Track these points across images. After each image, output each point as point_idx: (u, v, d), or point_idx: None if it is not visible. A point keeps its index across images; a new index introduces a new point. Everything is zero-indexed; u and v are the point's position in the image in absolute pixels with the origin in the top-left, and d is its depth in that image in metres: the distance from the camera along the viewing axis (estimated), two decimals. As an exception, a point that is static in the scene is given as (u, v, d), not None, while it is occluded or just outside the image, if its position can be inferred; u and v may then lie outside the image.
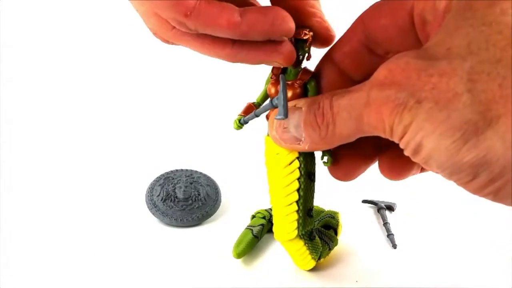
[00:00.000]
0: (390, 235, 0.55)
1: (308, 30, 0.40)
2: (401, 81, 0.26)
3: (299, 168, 0.44)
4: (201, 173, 0.62)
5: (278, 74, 0.43)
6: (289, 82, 0.42)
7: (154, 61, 0.89)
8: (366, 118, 0.29)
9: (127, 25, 0.76)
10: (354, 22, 0.37)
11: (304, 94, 0.42)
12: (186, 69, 0.87)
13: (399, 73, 0.26)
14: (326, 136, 0.33)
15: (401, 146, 0.29)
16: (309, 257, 0.48)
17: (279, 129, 0.38)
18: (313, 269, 0.50)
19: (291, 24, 0.33)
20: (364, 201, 0.62)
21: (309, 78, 0.42)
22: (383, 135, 0.29)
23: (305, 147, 0.37)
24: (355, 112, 0.30)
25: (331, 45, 0.40)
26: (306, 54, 0.41)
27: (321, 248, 0.49)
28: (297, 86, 0.42)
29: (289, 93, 0.42)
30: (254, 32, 0.31)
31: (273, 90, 0.43)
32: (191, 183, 0.60)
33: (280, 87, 0.36)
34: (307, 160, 0.44)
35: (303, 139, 0.37)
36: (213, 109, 0.82)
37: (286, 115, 0.35)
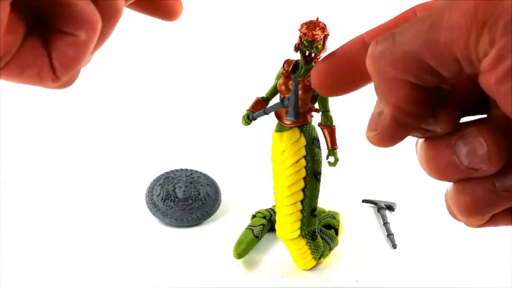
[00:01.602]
0: (390, 235, 0.55)
1: (317, 29, 0.40)
2: None
3: (305, 167, 0.44)
4: (201, 173, 0.62)
5: (288, 70, 0.43)
6: (299, 79, 0.42)
7: (154, 61, 0.89)
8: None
9: (127, 25, 0.76)
10: None
11: (315, 91, 0.43)
12: (186, 69, 0.87)
13: None
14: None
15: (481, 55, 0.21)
16: (310, 256, 0.48)
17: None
18: (313, 269, 0.50)
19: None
20: (364, 201, 0.62)
21: None
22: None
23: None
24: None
25: None
26: (317, 52, 0.42)
27: (323, 248, 0.49)
28: (308, 82, 0.42)
29: (300, 91, 0.42)
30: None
31: (283, 87, 0.43)
32: (191, 183, 0.60)
33: (292, 88, 0.35)
34: (313, 160, 0.44)
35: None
36: (213, 109, 0.82)
37: (297, 117, 0.35)
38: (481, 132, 0.23)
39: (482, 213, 0.25)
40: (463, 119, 0.25)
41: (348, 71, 0.29)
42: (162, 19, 0.30)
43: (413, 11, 0.28)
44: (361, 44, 0.29)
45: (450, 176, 0.25)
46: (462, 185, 0.25)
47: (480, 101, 0.23)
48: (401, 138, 0.24)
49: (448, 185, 0.26)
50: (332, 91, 0.30)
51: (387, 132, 0.24)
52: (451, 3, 0.21)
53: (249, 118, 0.44)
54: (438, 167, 0.25)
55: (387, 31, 0.26)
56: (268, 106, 0.41)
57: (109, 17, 0.23)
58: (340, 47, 0.30)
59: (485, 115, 0.25)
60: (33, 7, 0.22)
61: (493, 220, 0.26)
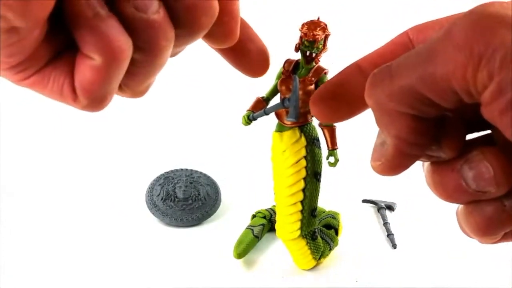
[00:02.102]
0: (390, 235, 0.55)
1: (318, 29, 0.40)
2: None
3: (305, 167, 0.44)
4: (201, 172, 0.62)
5: (289, 70, 0.43)
6: (300, 79, 0.42)
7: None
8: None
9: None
10: None
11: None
12: (186, 69, 0.87)
13: None
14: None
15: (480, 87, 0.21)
16: (310, 256, 0.48)
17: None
18: (313, 269, 0.50)
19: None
20: (364, 201, 0.62)
21: (321, 76, 0.42)
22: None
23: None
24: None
25: None
26: (318, 52, 0.42)
27: (323, 248, 0.49)
28: (308, 83, 0.42)
29: (300, 91, 0.42)
30: None
31: (283, 87, 0.43)
32: (191, 183, 0.60)
33: (292, 88, 0.35)
34: (314, 160, 0.44)
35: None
36: (213, 109, 0.82)
37: (297, 118, 0.35)
38: (485, 156, 0.23)
39: (494, 232, 0.25)
40: (468, 136, 0.25)
41: (345, 99, 0.29)
42: (245, 73, 0.30)
43: (406, 35, 0.29)
44: (356, 71, 0.29)
45: (459, 199, 0.25)
46: (472, 206, 0.25)
47: (483, 119, 0.22)
48: (406, 167, 0.25)
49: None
50: (330, 118, 0.31)
51: (391, 162, 0.24)
52: (445, 36, 0.21)
53: (249, 118, 0.44)
54: (447, 191, 0.25)
55: (381, 58, 0.27)
56: (268, 106, 0.41)
57: (147, 52, 0.22)
58: (335, 75, 0.30)
59: (489, 131, 0.26)
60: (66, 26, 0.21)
61: (506, 237, 0.26)
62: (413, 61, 0.22)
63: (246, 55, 0.29)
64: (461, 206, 0.26)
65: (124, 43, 0.21)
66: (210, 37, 0.26)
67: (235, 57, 0.29)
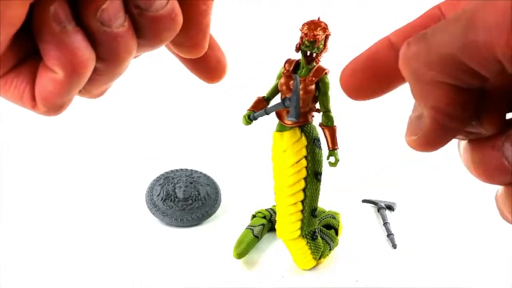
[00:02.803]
0: (390, 235, 0.55)
1: (318, 29, 0.40)
2: None
3: (306, 167, 0.44)
4: (201, 173, 0.62)
5: (290, 70, 0.43)
6: (301, 79, 0.42)
7: (154, 60, 0.89)
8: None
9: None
10: None
11: (316, 91, 0.43)
12: (186, 69, 0.86)
13: None
14: None
15: None
16: (310, 256, 0.48)
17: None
18: (313, 269, 0.50)
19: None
20: (364, 201, 0.62)
21: (322, 75, 0.42)
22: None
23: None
24: None
25: None
26: (319, 52, 0.42)
27: (323, 248, 0.49)
28: (309, 82, 0.42)
29: (301, 91, 0.42)
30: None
31: (284, 87, 0.43)
32: (191, 183, 0.60)
33: (293, 88, 0.35)
34: (314, 160, 0.44)
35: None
36: (213, 109, 0.82)
37: (298, 117, 0.35)
38: None
39: None
40: (508, 115, 0.24)
41: (375, 74, 0.28)
42: (203, 79, 0.30)
43: (438, 8, 0.27)
44: (387, 46, 0.28)
45: (500, 179, 0.23)
46: None
47: None
48: (445, 142, 0.23)
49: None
50: (359, 95, 0.29)
51: (428, 137, 0.23)
52: (485, 2, 0.20)
53: (250, 118, 0.44)
54: (487, 171, 0.24)
55: (415, 32, 0.25)
56: (269, 106, 0.41)
57: (109, 62, 0.23)
58: (366, 50, 0.29)
59: None
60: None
61: None
62: (452, 28, 0.21)
63: (204, 62, 0.29)
64: (501, 189, 0.24)
65: (87, 58, 0.21)
66: (177, 47, 0.26)
67: (193, 63, 0.29)
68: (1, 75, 0.22)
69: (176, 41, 0.24)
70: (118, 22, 0.21)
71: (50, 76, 0.22)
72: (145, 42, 0.23)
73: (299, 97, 0.34)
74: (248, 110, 0.44)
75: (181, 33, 0.24)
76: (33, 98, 0.23)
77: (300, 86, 0.42)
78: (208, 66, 0.29)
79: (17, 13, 0.20)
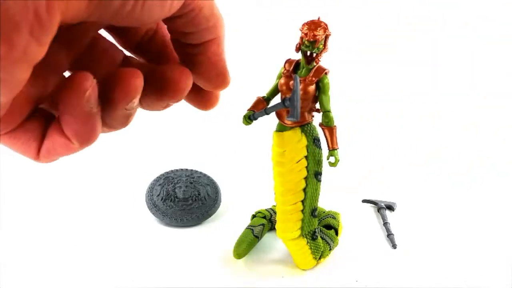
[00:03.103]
0: (390, 235, 0.55)
1: (318, 29, 0.40)
2: None
3: (306, 167, 0.44)
4: (201, 172, 0.62)
5: (290, 70, 0.43)
6: (301, 79, 0.42)
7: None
8: None
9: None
10: None
11: (316, 91, 0.43)
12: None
13: None
14: None
15: None
16: (311, 256, 0.48)
17: None
18: (313, 269, 0.50)
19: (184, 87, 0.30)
20: (364, 201, 0.62)
21: (322, 75, 0.42)
22: None
23: None
24: None
25: None
26: (319, 52, 0.42)
27: (323, 248, 0.49)
28: (309, 82, 0.42)
29: (301, 91, 0.42)
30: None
31: (284, 87, 0.43)
32: (191, 183, 0.60)
33: (293, 88, 0.35)
34: (314, 160, 0.44)
35: None
36: (213, 109, 0.82)
37: (298, 117, 0.35)
38: None
39: None
40: None
41: None
42: (197, 108, 0.32)
43: None
44: None
45: None
46: None
47: None
48: None
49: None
50: None
51: None
52: None
53: (250, 118, 0.43)
54: None
55: None
56: (269, 106, 0.41)
57: (118, 126, 0.26)
58: None
59: None
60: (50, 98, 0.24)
61: None
62: None
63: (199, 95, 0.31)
64: None
65: (100, 132, 0.24)
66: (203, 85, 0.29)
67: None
68: (8, 132, 0.24)
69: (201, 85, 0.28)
70: (134, 106, 0.25)
71: (64, 142, 0.24)
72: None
73: (299, 97, 0.34)
74: (248, 110, 0.44)
75: (202, 81, 0.26)
76: (38, 152, 0.25)
77: (300, 86, 0.42)
78: (208, 78, 0.30)
79: (22, 77, 0.20)
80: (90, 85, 0.22)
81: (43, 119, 0.24)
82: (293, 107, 0.34)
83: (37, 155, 0.24)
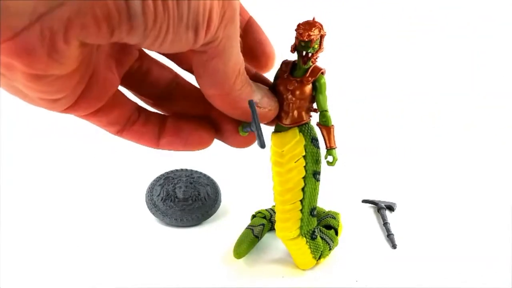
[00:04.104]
0: (390, 235, 0.55)
1: (313, 29, 0.40)
2: None
3: (304, 167, 0.44)
4: (201, 173, 0.62)
5: (286, 71, 0.43)
6: (298, 79, 0.42)
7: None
8: None
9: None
10: None
11: (313, 91, 0.43)
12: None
13: None
14: None
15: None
16: (310, 256, 0.48)
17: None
18: (313, 269, 0.50)
19: (206, 144, 0.34)
20: (364, 201, 0.62)
21: (318, 75, 0.42)
22: None
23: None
24: None
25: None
26: (314, 52, 0.42)
27: (322, 248, 0.49)
28: (306, 82, 0.42)
29: (297, 91, 0.42)
30: (171, 149, 0.33)
31: (281, 87, 0.43)
32: (191, 183, 0.60)
33: (252, 116, 0.32)
34: (312, 159, 0.44)
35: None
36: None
37: (263, 146, 0.33)
38: None
39: None
40: None
41: None
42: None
43: None
44: None
45: None
46: None
47: None
48: None
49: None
50: None
51: None
52: None
53: (244, 130, 0.43)
54: None
55: None
56: (255, 122, 0.41)
57: None
58: None
59: None
60: None
61: None
62: None
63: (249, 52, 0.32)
64: None
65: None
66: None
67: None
68: (94, 112, 0.28)
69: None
70: None
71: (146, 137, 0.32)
72: None
73: (259, 125, 0.33)
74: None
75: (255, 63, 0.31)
76: (157, 143, 0.31)
77: (296, 85, 0.42)
78: (252, 58, 0.32)
79: (54, 87, 0.24)
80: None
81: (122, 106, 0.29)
82: (257, 136, 0.33)
83: (157, 144, 0.31)
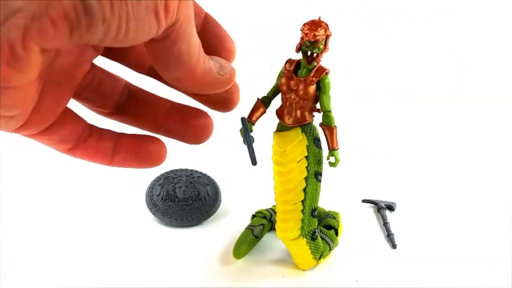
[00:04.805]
0: (390, 235, 0.55)
1: (319, 29, 0.40)
2: None
3: (306, 167, 0.44)
4: (201, 172, 0.62)
5: (290, 70, 0.43)
6: (301, 79, 0.42)
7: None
8: None
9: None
10: None
11: (317, 91, 0.43)
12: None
13: None
14: None
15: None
16: (310, 256, 0.48)
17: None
18: (313, 269, 0.50)
19: (161, 161, 0.33)
20: (364, 201, 0.62)
21: (322, 75, 0.42)
22: None
23: None
24: None
25: None
26: (319, 52, 0.42)
27: (322, 248, 0.49)
28: (310, 82, 0.42)
29: (301, 91, 0.42)
30: (126, 166, 0.33)
31: (284, 87, 0.43)
32: (191, 183, 0.60)
33: (243, 135, 0.33)
34: (314, 160, 0.44)
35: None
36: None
37: (254, 164, 0.33)
38: None
39: None
40: None
41: None
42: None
43: None
44: None
45: None
46: None
47: None
48: None
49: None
50: None
51: None
52: None
53: (243, 141, 0.44)
54: None
55: None
56: (246, 139, 0.42)
57: None
58: None
59: None
60: None
61: None
62: None
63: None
64: None
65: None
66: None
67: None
68: (44, 130, 0.28)
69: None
70: None
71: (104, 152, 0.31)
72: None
73: (251, 144, 0.33)
74: (247, 119, 0.44)
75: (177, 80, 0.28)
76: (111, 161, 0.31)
77: (301, 86, 0.42)
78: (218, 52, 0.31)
79: (14, 98, 0.23)
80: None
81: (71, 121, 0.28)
82: (248, 154, 0.33)
83: (111, 162, 0.30)
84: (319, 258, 0.49)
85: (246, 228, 0.54)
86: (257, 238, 0.53)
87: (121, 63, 0.32)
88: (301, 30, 0.41)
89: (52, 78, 0.26)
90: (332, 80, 0.43)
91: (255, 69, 0.72)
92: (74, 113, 0.30)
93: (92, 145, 0.30)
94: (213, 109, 0.32)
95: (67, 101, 0.28)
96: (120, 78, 0.33)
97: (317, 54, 0.42)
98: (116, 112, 0.33)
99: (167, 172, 0.62)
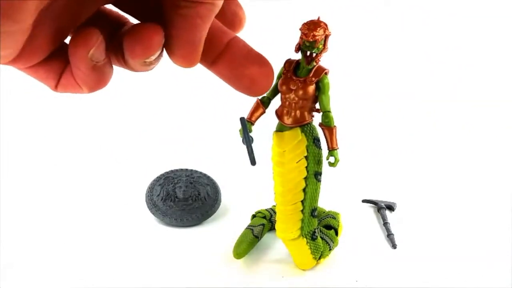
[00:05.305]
0: (390, 235, 0.55)
1: (318, 29, 0.40)
2: None
3: (306, 167, 0.44)
4: (201, 172, 0.62)
5: (290, 70, 0.43)
6: (300, 79, 0.42)
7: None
8: None
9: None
10: None
11: (316, 91, 0.43)
12: (186, 68, 0.86)
13: None
14: None
15: None
16: (310, 256, 0.48)
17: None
18: (313, 269, 0.50)
19: (158, 44, 0.30)
20: (364, 201, 0.62)
21: (321, 75, 0.42)
22: None
23: None
24: None
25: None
26: (319, 52, 0.42)
27: (322, 248, 0.49)
28: (309, 83, 0.42)
29: (300, 91, 0.42)
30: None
31: (284, 87, 0.43)
32: (191, 183, 0.60)
33: (242, 135, 0.33)
34: (314, 160, 0.44)
35: None
36: (213, 109, 0.82)
37: (253, 164, 0.33)
38: None
39: None
40: None
41: None
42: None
43: None
44: None
45: None
46: None
47: None
48: None
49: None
50: None
51: None
52: None
53: (242, 142, 0.44)
54: None
55: None
56: (245, 140, 0.42)
57: (135, 71, 0.27)
58: None
59: None
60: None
61: None
62: None
63: (219, 16, 0.30)
64: None
65: (109, 80, 0.26)
66: (170, 55, 0.28)
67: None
68: (30, 66, 0.25)
69: (168, 50, 0.27)
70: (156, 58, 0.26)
71: (75, 86, 0.26)
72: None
73: (250, 144, 0.33)
74: (247, 119, 0.44)
75: (173, 44, 0.26)
76: (56, 86, 0.26)
77: (299, 86, 0.42)
78: (223, 21, 0.30)
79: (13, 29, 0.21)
80: (94, 44, 0.23)
81: (64, 57, 0.25)
82: (247, 154, 0.33)
83: (55, 88, 0.26)
84: (319, 258, 0.49)
85: (246, 228, 0.54)
86: (257, 238, 0.53)
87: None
88: (300, 30, 0.41)
89: (49, 18, 0.24)
90: (332, 80, 0.43)
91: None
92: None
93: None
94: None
95: (63, 39, 0.26)
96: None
97: (316, 54, 0.42)
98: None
99: (167, 172, 0.62)
